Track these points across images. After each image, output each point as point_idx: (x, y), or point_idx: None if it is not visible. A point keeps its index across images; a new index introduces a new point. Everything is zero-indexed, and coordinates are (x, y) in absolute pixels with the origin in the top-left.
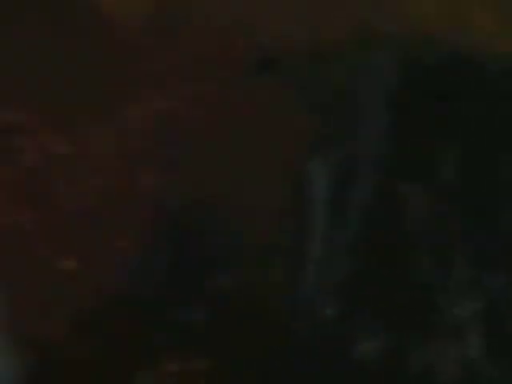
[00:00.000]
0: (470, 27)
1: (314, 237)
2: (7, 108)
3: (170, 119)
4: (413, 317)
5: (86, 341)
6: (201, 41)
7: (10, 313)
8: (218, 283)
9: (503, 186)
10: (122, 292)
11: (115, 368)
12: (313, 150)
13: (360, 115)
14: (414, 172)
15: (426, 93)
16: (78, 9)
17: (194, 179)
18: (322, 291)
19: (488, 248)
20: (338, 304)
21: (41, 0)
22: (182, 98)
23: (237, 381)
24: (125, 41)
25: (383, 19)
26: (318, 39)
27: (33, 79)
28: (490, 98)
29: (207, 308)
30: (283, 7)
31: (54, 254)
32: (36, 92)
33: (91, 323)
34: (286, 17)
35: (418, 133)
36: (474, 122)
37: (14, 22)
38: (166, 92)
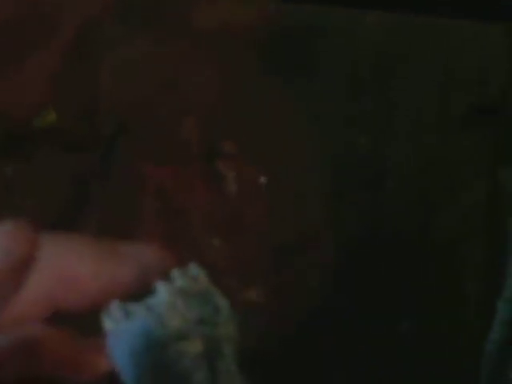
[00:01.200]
0: None
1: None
2: (215, 134)
3: None
4: None
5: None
6: None
7: None
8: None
9: None
10: (303, 328)
11: None
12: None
13: None
14: None
15: None
16: None
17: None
18: None
19: None
20: None
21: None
22: None
23: None
24: None
25: None
26: None
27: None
28: None
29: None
30: None
31: (239, 283)
32: (244, 123)
33: (268, 354)
34: None
35: None
36: None
37: None
38: None
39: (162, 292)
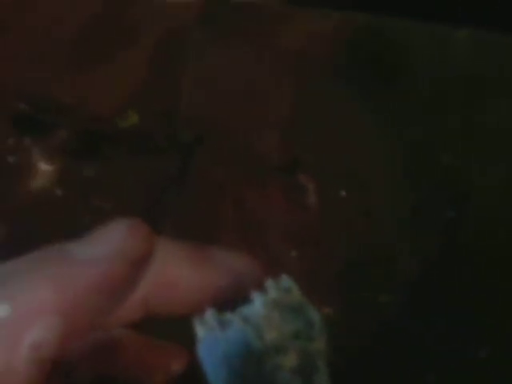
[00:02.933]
0: None
1: None
2: (295, 147)
3: None
4: None
5: None
6: None
7: None
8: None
9: None
10: (372, 347)
11: None
12: None
13: None
14: None
15: None
16: None
17: None
18: None
19: None
20: None
21: None
22: None
23: None
24: None
25: None
26: None
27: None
28: None
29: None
30: None
31: (316, 298)
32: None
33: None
34: None
35: None
36: None
37: None
38: None
39: (258, 303)
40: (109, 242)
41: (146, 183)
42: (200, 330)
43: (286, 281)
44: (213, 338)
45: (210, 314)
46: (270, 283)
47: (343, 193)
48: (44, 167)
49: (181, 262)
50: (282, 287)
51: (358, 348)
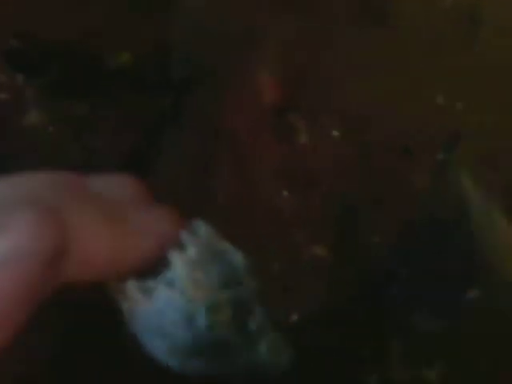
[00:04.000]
0: None
1: None
2: (289, 87)
3: None
4: None
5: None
6: None
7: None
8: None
9: None
10: (364, 288)
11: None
12: None
13: None
14: None
15: None
16: None
17: None
18: None
19: None
20: None
21: None
22: None
23: None
24: None
25: None
26: None
27: None
28: None
29: (449, 320)
30: None
31: (306, 238)
32: None
33: (330, 310)
34: None
35: None
36: None
37: None
38: None
39: (179, 263)
40: (15, 241)
41: (138, 122)
42: (125, 304)
43: (199, 226)
44: (141, 311)
45: (131, 287)
46: (185, 236)
47: (336, 133)
48: (36, 104)
49: (100, 235)
50: (197, 234)
51: (347, 286)
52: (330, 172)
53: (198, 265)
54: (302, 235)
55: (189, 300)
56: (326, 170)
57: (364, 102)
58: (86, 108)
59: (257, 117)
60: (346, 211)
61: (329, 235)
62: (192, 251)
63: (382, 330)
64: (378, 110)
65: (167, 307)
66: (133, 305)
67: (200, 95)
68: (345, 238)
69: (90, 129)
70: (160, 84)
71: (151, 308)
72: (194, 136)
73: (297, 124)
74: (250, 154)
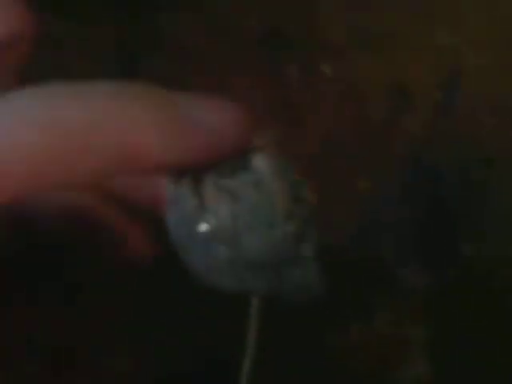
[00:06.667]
0: None
1: None
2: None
3: None
4: None
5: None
6: None
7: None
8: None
9: None
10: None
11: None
12: None
13: None
14: None
15: None
16: None
17: None
18: None
19: None
20: None
21: None
22: None
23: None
24: None
25: None
26: None
27: None
28: None
29: (437, 275)
30: None
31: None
32: None
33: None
34: None
35: None
36: None
37: None
38: None
39: (264, 167)
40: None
41: (118, 45)
42: (192, 204)
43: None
44: (219, 210)
45: (211, 183)
46: (262, 143)
47: (326, 68)
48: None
49: (146, 127)
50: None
51: (337, 233)
52: (322, 111)
53: (277, 173)
54: None
55: (272, 206)
56: (318, 109)
57: (361, 39)
58: (65, 27)
59: (246, 52)
60: (334, 153)
61: (316, 178)
62: (273, 158)
63: (368, 279)
64: (376, 47)
65: (252, 209)
66: (210, 202)
67: (181, 22)
68: (333, 182)
69: (70, 49)
70: (144, 7)
71: (235, 207)
72: (176, 66)
73: (287, 61)
74: (239, 92)
